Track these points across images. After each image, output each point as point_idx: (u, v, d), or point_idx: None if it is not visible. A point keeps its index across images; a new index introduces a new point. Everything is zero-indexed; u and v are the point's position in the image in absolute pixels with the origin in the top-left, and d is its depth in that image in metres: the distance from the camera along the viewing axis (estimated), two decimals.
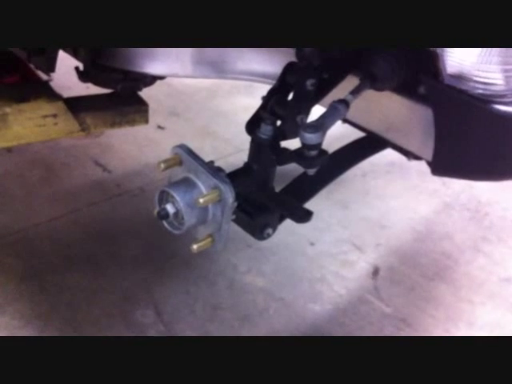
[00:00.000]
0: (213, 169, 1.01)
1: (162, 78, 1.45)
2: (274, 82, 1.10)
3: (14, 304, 1.61)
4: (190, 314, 1.65)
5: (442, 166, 1.06)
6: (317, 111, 1.06)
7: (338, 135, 1.69)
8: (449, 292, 1.84)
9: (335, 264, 1.90)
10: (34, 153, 2.26)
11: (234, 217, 1.03)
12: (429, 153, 1.08)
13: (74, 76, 1.41)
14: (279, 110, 1.05)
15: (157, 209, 1.03)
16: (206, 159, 1.04)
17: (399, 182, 2.38)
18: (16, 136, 1.31)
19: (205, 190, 1.00)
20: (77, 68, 1.39)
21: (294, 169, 1.07)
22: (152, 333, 1.58)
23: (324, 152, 0.99)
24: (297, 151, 1.00)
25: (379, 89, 1.07)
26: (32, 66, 1.49)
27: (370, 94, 1.07)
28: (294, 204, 1.13)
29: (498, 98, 0.95)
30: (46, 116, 1.31)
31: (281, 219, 1.16)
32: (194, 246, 1.03)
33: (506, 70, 0.92)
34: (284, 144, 1.08)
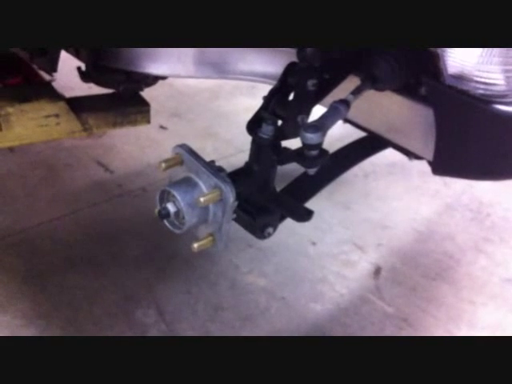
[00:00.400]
0: (214, 168, 1.01)
1: (163, 78, 1.45)
2: (275, 82, 1.10)
3: (16, 304, 1.61)
4: (191, 314, 1.66)
5: (443, 165, 1.06)
6: (318, 111, 1.06)
7: (340, 135, 1.69)
8: (450, 293, 1.84)
9: (337, 264, 1.90)
10: (37, 153, 2.27)
11: (234, 216, 1.04)
12: (430, 153, 1.08)
13: (77, 76, 1.42)
14: (280, 110, 1.05)
15: (158, 208, 1.03)
16: (208, 159, 1.04)
17: (401, 183, 2.38)
18: (18, 136, 1.31)
19: (206, 190, 1.00)
20: (79, 68, 1.40)
21: (295, 168, 1.07)
22: (153, 332, 1.58)
23: (324, 152, 0.99)
24: (297, 151, 1.01)
25: (380, 89, 1.07)
26: (35, 66, 1.49)
27: (371, 94, 1.07)
28: (294, 203, 1.13)
29: (499, 98, 0.95)
30: (48, 116, 1.31)
31: (281, 219, 1.16)
32: (195, 245, 1.03)
33: (506, 71, 0.92)
34: (285, 144, 1.08)
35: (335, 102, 1.02)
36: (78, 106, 1.37)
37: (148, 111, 1.45)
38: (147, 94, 1.48)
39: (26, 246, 1.82)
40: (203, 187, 1.01)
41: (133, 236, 1.91)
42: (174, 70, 1.32)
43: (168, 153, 1.07)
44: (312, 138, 0.96)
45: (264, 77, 1.32)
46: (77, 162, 2.27)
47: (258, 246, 1.90)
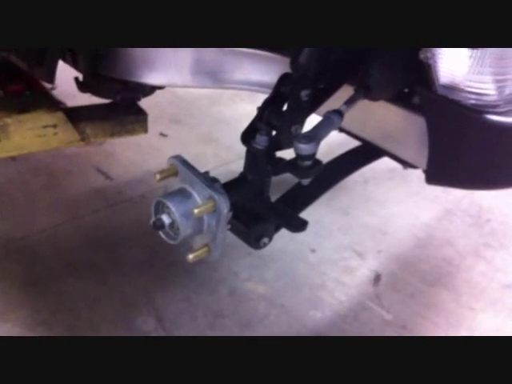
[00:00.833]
0: (208, 179, 1.01)
1: (161, 87, 1.46)
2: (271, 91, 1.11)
3: (16, 311, 1.62)
4: (190, 321, 1.66)
5: (436, 175, 1.06)
6: (312, 120, 1.07)
7: (339, 142, 1.69)
8: (450, 298, 1.84)
9: (336, 270, 1.90)
10: (37, 160, 2.28)
11: (229, 226, 1.04)
12: (424, 162, 1.08)
13: None
14: (274, 121, 1.06)
15: (153, 219, 1.04)
16: (208, 166, 1.06)
17: (400, 189, 2.38)
18: (17, 146, 1.32)
19: (200, 201, 1.01)
20: (76, 78, 1.40)
21: (291, 178, 1.08)
22: None
23: (318, 162, 1.00)
24: (291, 161, 1.01)
25: (374, 99, 1.07)
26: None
27: (365, 104, 1.08)
28: (289, 213, 1.14)
29: (491, 108, 0.95)
30: (45, 126, 1.32)
31: (277, 229, 1.17)
32: (190, 256, 1.04)
33: (498, 81, 0.93)
34: (279, 154, 1.09)
35: (329, 112, 1.03)
36: (75, 115, 1.37)
37: (145, 120, 1.46)
38: (148, 99, 1.48)
39: (27, 252, 1.83)
40: (197, 198, 1.01)
41: (133, 243, 1.92)
42: (170, 79, 1.33)
43: None
44: (305, 148, 0.96)
45: (260, 86, 1.32)
46: (77, 170, 2.28)
47: (257, 253, 1.90)
